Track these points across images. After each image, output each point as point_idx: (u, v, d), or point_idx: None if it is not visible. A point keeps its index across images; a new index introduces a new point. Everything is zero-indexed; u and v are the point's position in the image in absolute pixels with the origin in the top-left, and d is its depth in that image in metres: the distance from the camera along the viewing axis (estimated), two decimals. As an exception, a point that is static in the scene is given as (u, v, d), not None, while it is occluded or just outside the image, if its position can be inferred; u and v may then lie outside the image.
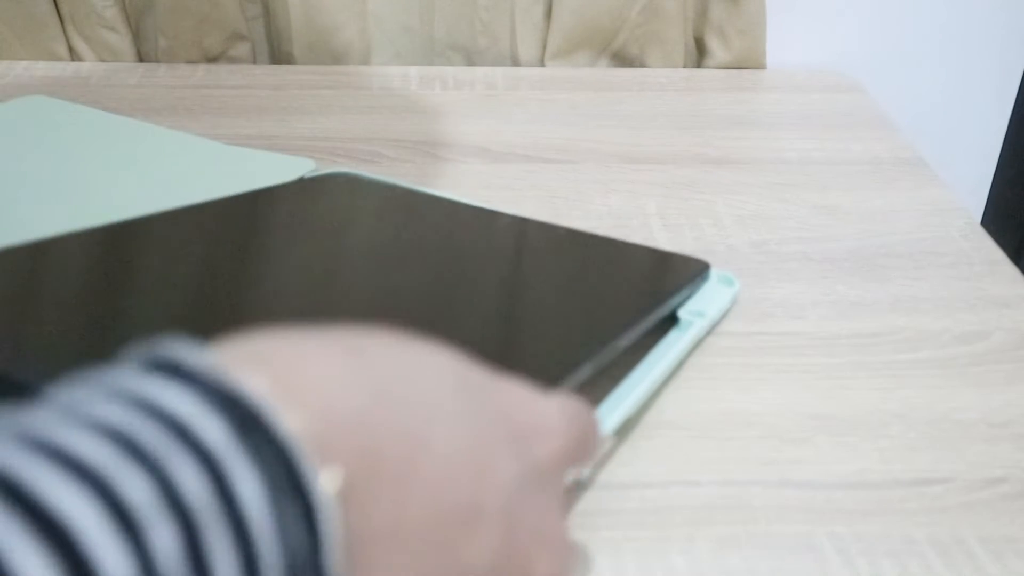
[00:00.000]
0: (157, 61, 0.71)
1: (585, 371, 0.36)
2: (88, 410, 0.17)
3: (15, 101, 0.61)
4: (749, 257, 0.50)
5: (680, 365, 0.41)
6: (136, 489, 0.16)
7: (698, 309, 0.43)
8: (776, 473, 0.36)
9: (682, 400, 0.39)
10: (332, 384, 0.20)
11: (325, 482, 0.19)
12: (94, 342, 0.35)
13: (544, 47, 0.73)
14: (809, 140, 0.63)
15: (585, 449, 0.28)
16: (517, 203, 0.51)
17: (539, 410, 0.26)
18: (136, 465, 0.17)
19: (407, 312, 0.39)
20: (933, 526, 0.34)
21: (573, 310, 0.41)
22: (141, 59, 0.72)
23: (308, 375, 0.20)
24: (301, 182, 0.52)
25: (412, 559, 0.20)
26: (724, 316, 0.45)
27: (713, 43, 0.73)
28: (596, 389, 0.38)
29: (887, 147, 0.62)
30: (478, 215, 0.50)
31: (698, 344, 0.43)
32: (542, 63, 0.73)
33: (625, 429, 0.38)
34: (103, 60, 0.71)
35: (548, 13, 0.71)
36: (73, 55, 0.71)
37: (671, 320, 0.42)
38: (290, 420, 0.19)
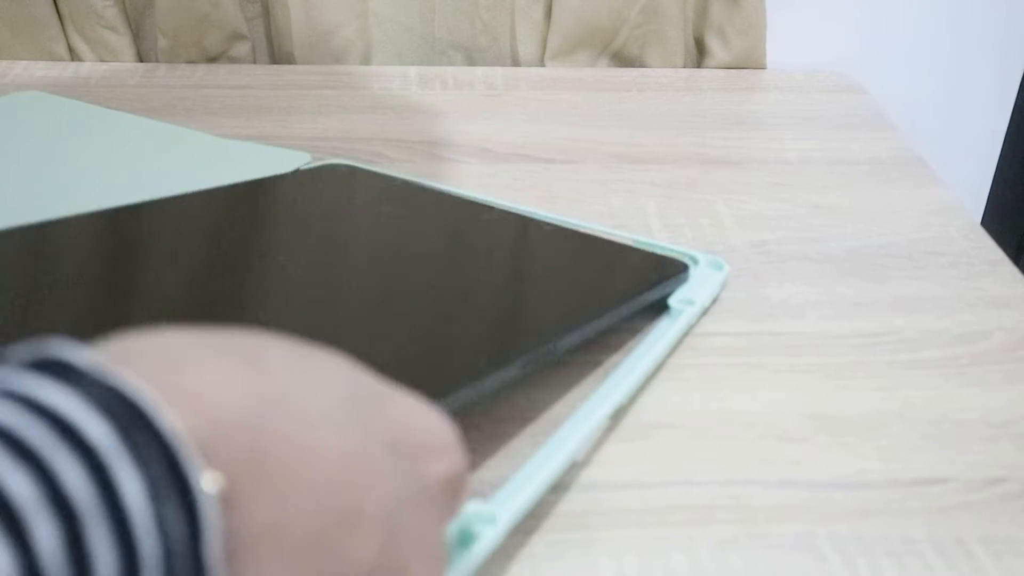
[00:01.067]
0: (157, 61, 0.71)
1: (513, 369, 0.36)
2: None
3: (9, 96, 0.61)
4: (749, 257, 0.50)
5: (672, 353, 0.42)
6: (20, 485, 0.16)
7: (687, 297, 0.43)
8: (776, 473, 0.36)
9: (682, 400, 0.39)
10: (220, 387, 0.20)
11: (206, 481, 0.19)
12: (88, 327, 0.35)
13: (544, 47, 0.73)
14: (809, 140, 0.63)
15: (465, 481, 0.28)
16: (517, 203, 0.51)
17: (431, 427, 0.26)
18: (20, 462, 0.17)
19: (359, 299, 0.40)
20: (933, 526, 0.34)
21: (521, 305, 0.41)
22: (141, 59, 0.72)
23: (196, 378, 0.20)
24: (298, 172, 0.53)
25: (292, 561, 0.21)
26: (715, 301, 0.45)
27: (713, 43, 0.73)
28: (586, 380, 0.37)
29: (887, 147, 0.62)
30: (468, 207, 0.50)
31: (690, 329, 0.43)
32: (542, 63, 0.73)
33: (625, 428, 0.38)
34: (103, 60, 0.71)
35: (548, 13, 0.71)
36: (73, 55, 0.71)
37: (663, 309, 0.43)
38: (174, 419, 0.19)
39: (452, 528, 0.30)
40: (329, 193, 0.51)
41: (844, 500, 0.35)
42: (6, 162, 0.54)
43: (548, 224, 0.49)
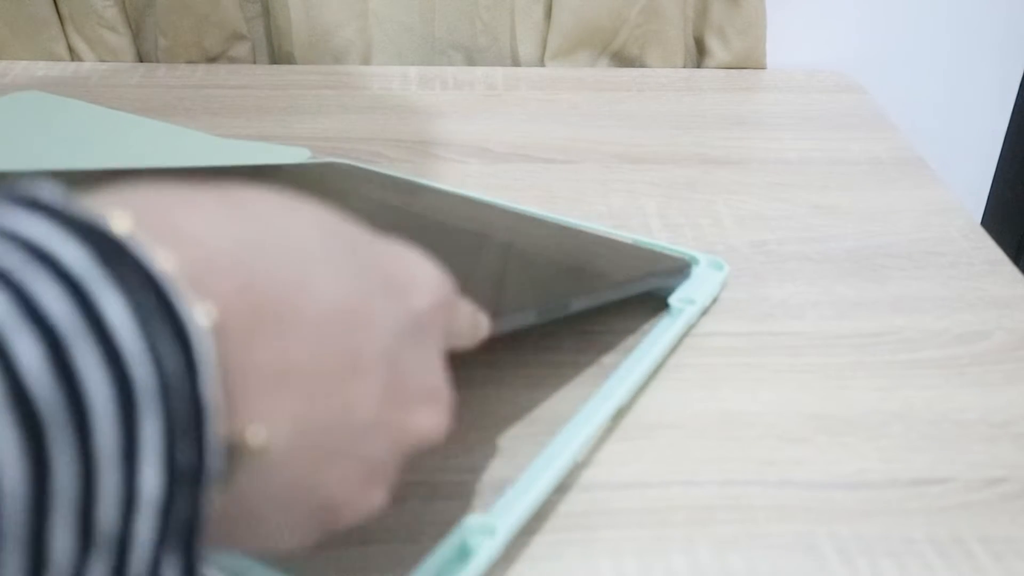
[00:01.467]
0: (157, 61, 0.71)
1: (529, 315, 0.36)
2: None
3: (9, 96, 0.61)
4: (749, 257, 0.50)
5: (672, 352, 0.42)
6: None
7: (688, 296, 0.44)
8: (776, 473, 0.36)
9: (682, 400, 0.39)
10: (204, 227, 0.20)
11: (199, 314, 0.18)
12: None
13: (544, 47, 0.73)
14: (809, 140, 0.63)
15: (457, 316, 0.28)
16: (517, 203, 0.51)
17: (413, 263, 0.26)
18: None
19: None
20: (933, 526, 0.34)
21: (539, 272, 0.42)
22: (141, 59, 0.72)
23: (178, 217, 0.20)
24: (299, 166, 0.53)
25: (299, 404, 0.20)
26: (715, 301, 0.45)
27: (713, 43, 0.73)
28: (587, 379, 0.38)
29: (887, 147, 0.62)
30: (468, 205, 0.50)
31: (690, 329, 0.43)
32: (542, 63, 0.73)
33: (625, 428, 0.38)
34: (103, 60, 0.71)
35: (548, 13, 0.71)
36: (73, 55, 0.71)
37: (663, 309, 0.43)
38: (159, 257, 0.18)
39: (451, 541, 0.30)
40: (327, 190, 0.51)
41: (844, 500, 0.35)
42: (6, 162, 0.54)
43: (550, 222, 0.49)
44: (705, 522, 0.34)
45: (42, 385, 0.16)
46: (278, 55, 0.72)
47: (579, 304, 0.39)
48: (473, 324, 0.29)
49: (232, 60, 0.71)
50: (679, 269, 0.45)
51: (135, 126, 0.59)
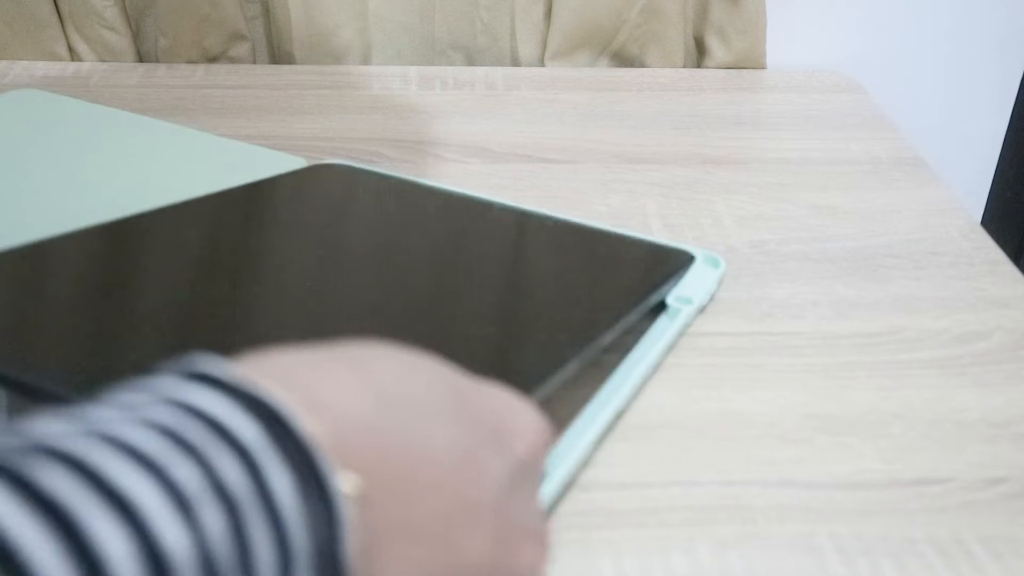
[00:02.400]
0: (157, 61, 0.71)
1: (571, 367, 0.36)
2: (139, 411, 0.20)
3: (7, 94, 0.61)
4: (749, 257, 0.50)
5: (672, 351, 0.42)
6: (187, 474, 0.18)
7: (685, 295, 0.44)
8: (776, 473, 0.36)
9: (682, 400, 0.39)
10: (343, 396, 0.22)
11: (343, 483, 0.21)
12: (99, 342, 0.35)
13: (544, 47, 0.73)
14: (809, 140, 0.63)
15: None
16: (517, 203, 0.51)
17: (517, 409, 0.28)
18: (184, 455, 0.19)
19: (401, 309, 0.40)
20: (933, 526, 0.34)
21: (560, 305, 0.41)
22: (141, 59, 0.71)
23: (323, 388, 0.22)
24: (297, 172, 0.53)
25: (422, 553, 0.22)
26: (712, 298, 0.45)
27: (713, 43, 0.73)
28: (587, 380, 0.38)
29: (887, 147, 0.62)
30: (469, 205, 0.50)
31: (687, 327, 0.43)
32: (542, 63, 0.73)
33: (625, 428, 0.38)
34: (103, 60, 0.71)
35: (548, 13, 0.71)
36: (73, 55, 0.71)
37: (659, 306, 0.43)
38: (310, 428, 0.21)
39: None
40: (327, 194, 0.51)
41: (844, 500, 0.35)
42: (4, 161, 0.54)
43: (551, 220, 0.49)
44: (705, 522, 0.34)
45: (223, 549, 0.18)
46: (278, 55, 0.72)
47: (605, 341, 0.39)
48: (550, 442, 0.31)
49: (232, 60, 0.71)
50: (682, 267, 0.45)
51: (135, 125, 0.59)
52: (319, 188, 0.51)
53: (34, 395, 0.31)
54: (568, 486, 0.35)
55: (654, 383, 0.40)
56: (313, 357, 0.24)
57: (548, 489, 0.33)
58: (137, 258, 0.42)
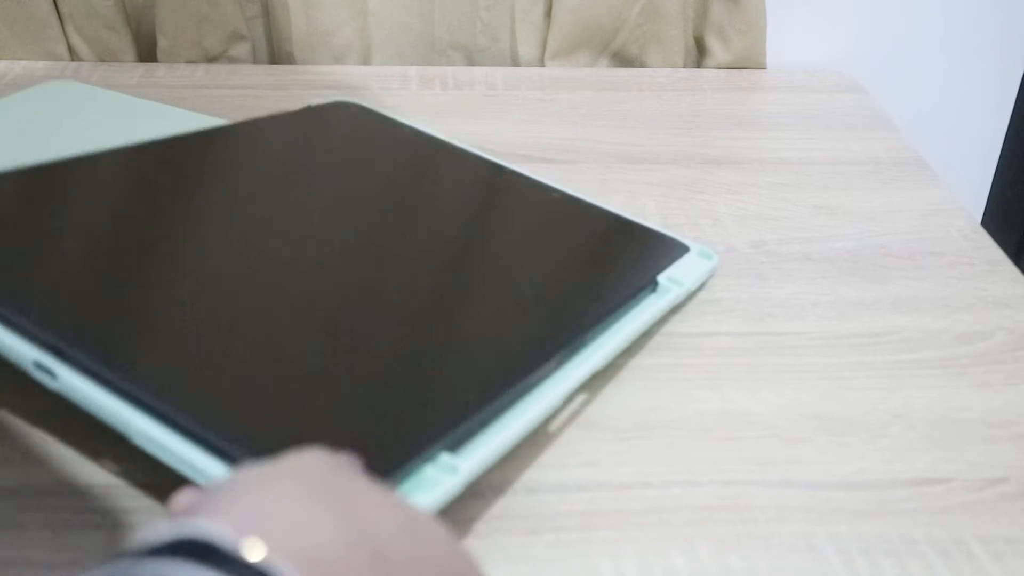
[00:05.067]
0: (157, 61, 0.71)
1: (550, 366, 0.37)
2: None
3: (42, 86, 0.62)
4: (749, 257, 0.50)
5: (674, 351, 0.42)
6: None
7: (676, 277, 0.44)
8: (776, 473, 0.36)
9: (682, 400, 0.39)
10: (322, 539, 0.22)
11: None
12: (100, 268, 0.36)
13: (544, 47, 0.73)
14: (809, 140, 0.63)
15: None
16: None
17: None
18: None
19: (396, 272, 0.41)
20: (933, 526, 0.34)
21: (552, 286, 0.42)
22: (141, 59, 0.71)
23: (294, 532, 0.22)
24: (307, 110, 0.54)
25: None
26: (701, 287, 0.46)
27: (713, 43, 0.73)
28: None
29: (887, 147, 0.62)
30: (476, 164, 0.52)
31: (674, 310, 0.44)
32: (542, 63, 0.73)
33: (625, 428, 0.38)
34: (103, 60, 0.71)
35: (548, 13, 0.71)
36: (73, 55, 0.71)
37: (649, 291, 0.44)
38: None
39: (416, 475, 0.31)
40: (335, 135, 0.52)
41: (844, 500, 0.35)
42: (40, 151, 0.54)
43: (556, 191, 0.50)
44: (705, 522, 0.34)
45: None
46: (278, 55, 0.72)
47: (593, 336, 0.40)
48: None
49: (232, 60, 0.71)
50: (676, 255, 0.46)
51: (165, 116, 0.59)
52: (325, 130, 0.52)
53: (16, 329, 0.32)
54: (568, 486, 0.35)
55: (655, 383, 0.40)
56: (285, 495, 0.23)
57: (507, 435, 0.33)
58: (137, 190, 0.42)
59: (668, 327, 0.44)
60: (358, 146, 0.52)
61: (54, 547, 0.32)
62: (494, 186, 0.50)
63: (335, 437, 0.29)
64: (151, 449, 0.30)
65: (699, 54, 0.75)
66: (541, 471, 0.36)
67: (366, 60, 0.73)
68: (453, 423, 0.33)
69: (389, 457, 0.30)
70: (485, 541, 0.33)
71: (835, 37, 0.76)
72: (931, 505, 0.35)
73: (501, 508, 0.34)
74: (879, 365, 0.42)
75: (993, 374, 0.42)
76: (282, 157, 0.48)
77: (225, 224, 0.40)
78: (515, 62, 0.73)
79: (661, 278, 0.44)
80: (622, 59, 0.73)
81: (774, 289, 0.47)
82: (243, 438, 0.29)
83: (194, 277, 0.36)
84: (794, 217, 0.54)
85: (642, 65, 0.74)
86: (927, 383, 0.41)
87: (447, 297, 0.40)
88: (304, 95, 0.66)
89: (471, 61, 0.73)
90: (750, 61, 0.73)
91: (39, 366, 0.31)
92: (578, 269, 0.44)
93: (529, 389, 0.36)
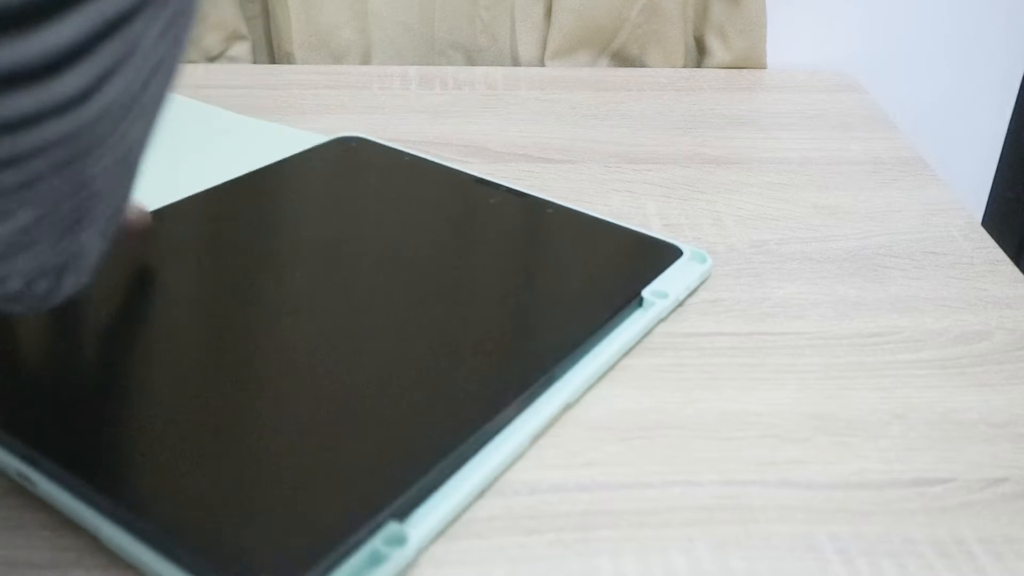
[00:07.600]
0: (157, 61, 0.71)
1: (510, 411, 0.36)
2: None
3: None
4: (749, 257, 0.49)
5: (673, 351, 0.42)
6: None
7: (662, 289, 0.44)
8: (776, 473, 0.36)
9: (682, 400, 0.39)
10: None
11: None
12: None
13: (544, 47, 0.73)
14: (809, 140, 0.63)
15: None
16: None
17: None
18: None
19: (402, 293, 0.42)
20: (933, 526, 0.34)
21: (545, 297, 0.43)
22: (141, 59, 0.71)
23: None
24: (310, 152, 0.55)
25: None
26: (691, 294, 0.46)
27: (713, 43, 0.73)
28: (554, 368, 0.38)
29: (887, 147, 0.62)
30: (472, 188, 0.52)
31: (661, 322, 0.43)
32: (542, 63, 0.73)
33: (625, 428, 0.38)
34: (103, 60, 0.71)
35: (548, 13, 0.71)
36: (73, 55, 0.71)
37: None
38: None
39: (364, 550, 0.30)
40: (340, 172, 0.53)
41: (844, 500, 0.35)
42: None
43: (550, 207, 0.50)
44: (705, 522, 0.34)
45: None
46: (278, 55, 0.72)
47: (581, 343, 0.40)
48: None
49: (232, 60, 0.71)
50: (667, 261, 0.46)
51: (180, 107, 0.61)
52: (329, 167, 0.54)
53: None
54: (567, 486, 0.35)
55: (654, 383, 0.40)
56: None
57: (460, 494, 0.33)
58: (168, 249, 0.44)
59: (668, 327, 0.44)
60: (362, 180, 0.53)
61: (54, 547, 0.32)
62: (470, 202, 0.50)
63: (280, 525, 0.29)
64: (125, 559, 0.30)
65: (699, 54, 0.75)
66: (541, 471, 0.36)
67: (366, 60, 0.73)
68: (397, 490, 0.31)
69: (327, 536, 0.29)
70: (485, 541, 0.33)
71: (835, 37, 0.76)
72: (931, 505, 0.35)
73: (501, 508, 0.34)
74: (879, 365, 0.42)
75: (993, 374, 0.42)
76: (295, 201, 0.50)
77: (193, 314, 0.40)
78: (515, 62, 0.73)
79: (646, 292, 0.43)
80: (622, 59, 0.73)
81: (774, 289, 0.47)
82: (204, 550, 0.29)
83: (166, 380, 0.36)
84: (794, 217, 0.54)
85: (642, 65, 0.74)
86: (927, 383, 0.41)
87: (396, 345, 0.38)
88: (304, 95, 0.66)
89: (471, 61, 0.73)
90: (750, 61, 0.73)
91: (21, 475, 0.32)
92: (553, 294, 0.43)
93: (490, 437, 0.35)
